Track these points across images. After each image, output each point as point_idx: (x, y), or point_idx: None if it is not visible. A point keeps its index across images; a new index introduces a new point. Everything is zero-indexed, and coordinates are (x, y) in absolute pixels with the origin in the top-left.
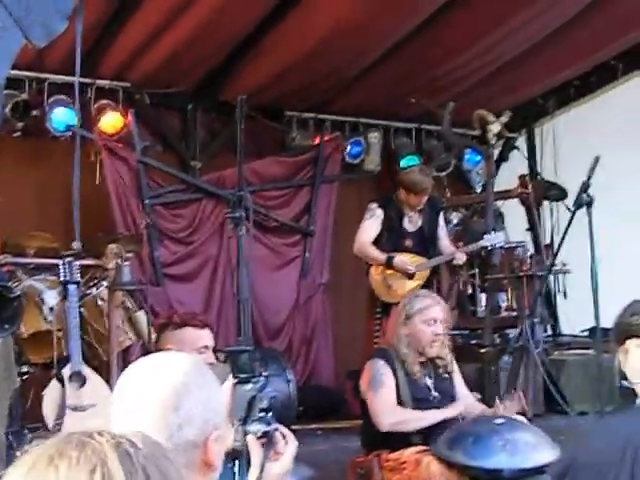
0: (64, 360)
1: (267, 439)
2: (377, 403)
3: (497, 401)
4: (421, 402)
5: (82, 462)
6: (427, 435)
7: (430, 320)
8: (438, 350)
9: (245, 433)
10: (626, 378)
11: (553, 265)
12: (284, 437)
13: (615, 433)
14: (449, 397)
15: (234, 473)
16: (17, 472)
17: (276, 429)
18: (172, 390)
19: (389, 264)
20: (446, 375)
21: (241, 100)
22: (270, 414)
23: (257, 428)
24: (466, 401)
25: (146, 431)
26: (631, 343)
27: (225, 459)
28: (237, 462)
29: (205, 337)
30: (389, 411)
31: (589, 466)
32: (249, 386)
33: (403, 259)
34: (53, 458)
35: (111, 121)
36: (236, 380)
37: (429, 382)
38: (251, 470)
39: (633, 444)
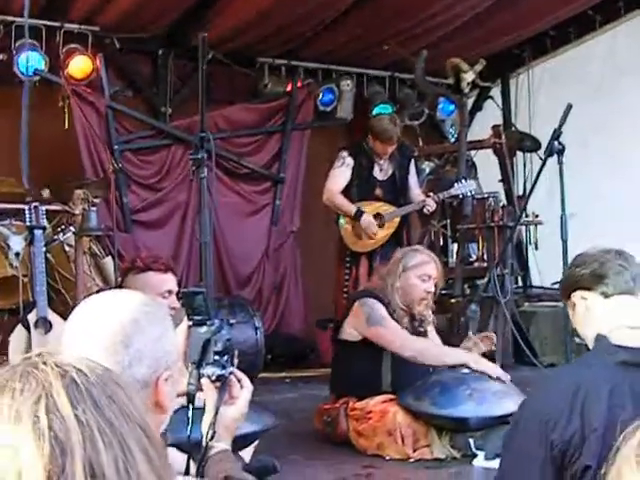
0: (30, 306)
1: (222, 383)
2: (393, 333)
3: (470, 335)
4: None
5: (26, 393)
6: (396, 384)
7: (425, 276)
8: (424, 308)
9: (199, 376)
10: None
11: (522, 215)
12: (239, 381)
13: (566, 381)
14: None
15: (188, 417)
16: None
17: (231, 372)
18: (121, 327)
19: (356, 218)
20: (422, 329)
21: (203, 38)
22: (225, 357)
23: (212, 371)
24: None
25: None
26: (576, 295)
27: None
28: (191, 406)
29: (169, 281)
30: (410, 338)
31: (541, 415)
32: (204, 329)
33: (370, 220)
34: None
35: (80, 65)
36: (191, 322)
37: None
38: (205, 414)
39: (583, 390)
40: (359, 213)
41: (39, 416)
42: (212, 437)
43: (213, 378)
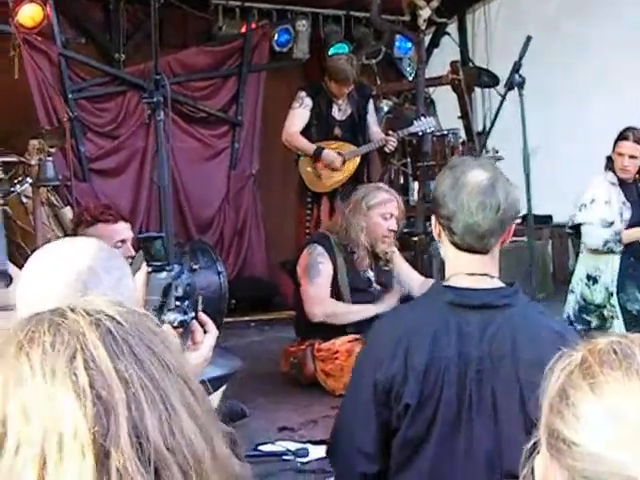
0: None
1: (184, 328)
2: (311, 293)
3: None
4: (360, 292)
5: (58, 347)
6: (360, 324)
7: (387, 214)
8: (387, 247)
9: (161, 322)
10: None
11: (483, 150)
12: (203, 326)
13: (395, 323)
14: (390, 288)
15: None
16: None
17: (193, 318)
18: (78, 275)
19: (317, 156)
20: (386, 267)
21: None
22: (187, 303)
23: (173, 317)
24: (414, 283)
25: None
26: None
27: None
28: None
29: (121, 230)
30: (321, 303)
31: (369, 356)
32: (164, 274)
33: (332, 153)
34: (23, 345)
35: (30, 13)
36: (150, 268)
37: (371, 274)
38: None
39: (410, 330)
40: (319, 150)
41: (77, 374)
42: None
43: (175, 324)
